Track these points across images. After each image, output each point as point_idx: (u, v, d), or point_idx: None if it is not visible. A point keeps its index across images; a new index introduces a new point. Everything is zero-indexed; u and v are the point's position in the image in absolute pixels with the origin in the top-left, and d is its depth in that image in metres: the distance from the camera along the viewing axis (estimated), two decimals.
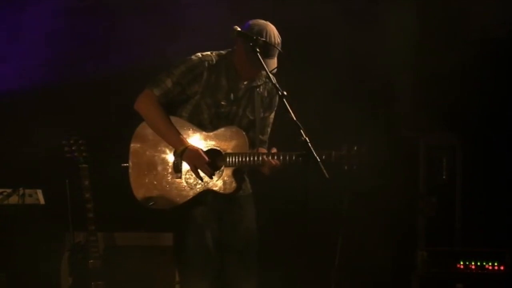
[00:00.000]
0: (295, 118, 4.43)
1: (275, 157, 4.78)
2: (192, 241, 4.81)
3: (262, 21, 4.82)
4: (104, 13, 6.50)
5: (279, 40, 4.80)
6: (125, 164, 4.88)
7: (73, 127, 6.11)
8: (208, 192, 4.83)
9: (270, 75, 4.65)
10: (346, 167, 4.78)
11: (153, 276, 5.90)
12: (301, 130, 4.42)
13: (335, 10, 6.49)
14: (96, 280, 5.69)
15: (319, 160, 4.27)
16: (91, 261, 5.70)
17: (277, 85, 4.57)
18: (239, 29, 4.71)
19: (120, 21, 6.45)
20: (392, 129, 6.04)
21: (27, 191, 5.52)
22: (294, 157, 4.66)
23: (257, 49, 4.62)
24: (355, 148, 4.76)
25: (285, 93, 4.50)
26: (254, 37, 4.65)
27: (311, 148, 4.34)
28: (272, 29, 4.80)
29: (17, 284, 5.85)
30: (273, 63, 4.77)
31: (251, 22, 4.83)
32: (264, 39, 4.70)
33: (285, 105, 4.47)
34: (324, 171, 4.25)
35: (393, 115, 6.68)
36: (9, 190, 5.43)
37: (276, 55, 4.78)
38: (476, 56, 6.63)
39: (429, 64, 6.67)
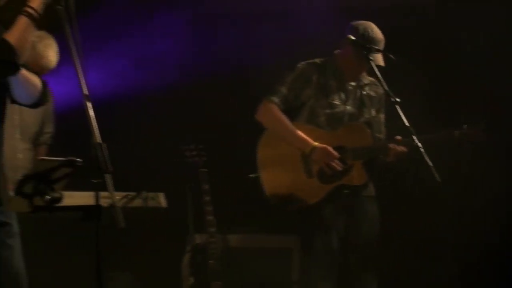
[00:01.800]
0: (407, 124, 4.54)
1: (400, 144, 4.88)
2: (319, 243, 4.96)
3: (363, 21, 5.01)
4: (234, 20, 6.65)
5: (382, 36, 4.96)
6: (252, 175, 5.05)
7: (194, 132, 6.32)
8: (339, 188, 4.96)
9: (383, 82, 4.78)
10: (468, 144, 4.86)
11: (269, 277, 5.97)
12: (413, 136, 4.53)
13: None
14: (215, 280, 5.82)
15: (431, 165, 4.37)
16: (211, 261, 5.82)
17: (390, 92, 4.70)
18: (352, 38, 4.89)
19: (247, 29, 6.60)
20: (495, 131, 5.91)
21: (150, 194, 5.59)
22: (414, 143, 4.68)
23: (371, 58, 4.78)
24: (475, 125, 4.84)
25: (397, 99, 4.61)
26: (367, 46, 4.82)
27: (423, 153, 4.43)
28: (374, 26, 5.00)
29: (142, 283, 6.02)
30: (380, 56, 4.92)
31: (353, 23, 5.00)
32: (377, 48, 4.86)
33: (398, 111, 4.59)
34: (436, 175, 4.34)
35: (497, 118, 6.53)
36: (133, 194, 5.51)
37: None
38: None
39: None
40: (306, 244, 5.10)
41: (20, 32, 3.45)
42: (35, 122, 5.69)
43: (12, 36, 3.43)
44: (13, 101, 3.68)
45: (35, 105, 3.74)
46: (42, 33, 5.31)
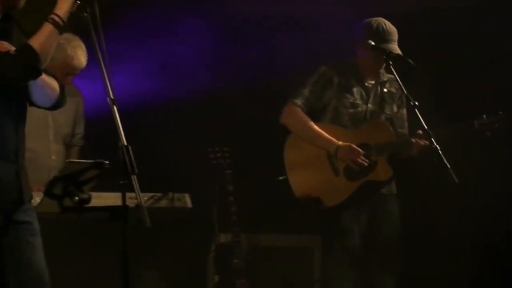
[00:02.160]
0: (426, 127, 4.63)
1: (422, 138, 4.97)
2: (340, 243, 5.04)
3: (374, 18, 5.12)
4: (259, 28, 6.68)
5: (394, 27, 5.11)
6: (281, 177, 5.15)
7: (219, 134, 6.36)
8: (365, 185, 5.05)
9: (403, 86, 4.87)
10: (489, 133, 4.95)
11: (292, 276, 6.02)
12: (432, 139, 4.61)
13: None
14: (239, 278, 5.88)
15: (449, 166, 4.45)
16: (235, 260, 5.89)
17: (409, 96, 4.79)
18: (373, 43, 4.99)
19: (273, 33, 6.65)
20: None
21: (176, 195, 5.60)
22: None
23: (390, 63, 4.88)
24: (493, 114, 4.93)
25: (416, 103, 4.70)
26: (387, 51, 4.92)
27: (442, 155, 4.51)
28: (386, 20, 5.10)
29: (167, 282, 6.06)
30: (396, 47, 5.06)
31: (366, 21, 5.13)
32: (398, 53, 4.96)
33: (417, 114, 4.68)
34: (454, 176, 4.41)
35: None
36: (160, 195, 5.54)
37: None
38: None
39: None
40: (327, 244, 5.18)
41: (44, 38, 3.52)
42: (67, 123, 5.78)
43: (36, 42, 3.51)
44: (31, 104, 3.75)
45: (51, 108, 3.80)
46: (69, 35, 5.37)
